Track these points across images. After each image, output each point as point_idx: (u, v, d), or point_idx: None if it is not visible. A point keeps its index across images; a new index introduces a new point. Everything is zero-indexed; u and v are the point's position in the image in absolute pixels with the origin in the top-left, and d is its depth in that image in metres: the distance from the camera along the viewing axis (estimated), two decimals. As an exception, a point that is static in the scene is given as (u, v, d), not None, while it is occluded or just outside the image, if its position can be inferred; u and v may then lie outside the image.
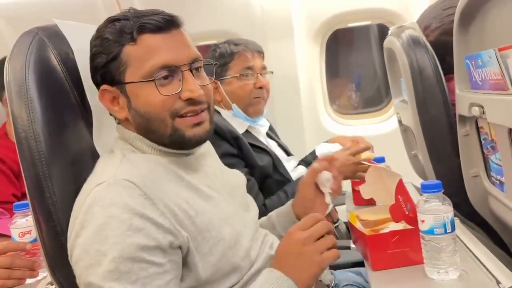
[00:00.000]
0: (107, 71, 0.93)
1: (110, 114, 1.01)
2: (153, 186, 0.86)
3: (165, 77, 0.91)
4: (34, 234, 1.22)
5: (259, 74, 1.73)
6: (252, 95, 1.71)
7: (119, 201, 0.82)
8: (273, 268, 0.90)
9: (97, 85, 0.97)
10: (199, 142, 0.97)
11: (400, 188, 1.02)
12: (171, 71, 0.91)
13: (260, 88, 1.72)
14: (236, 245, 0.94)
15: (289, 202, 1.21)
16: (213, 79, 1.03)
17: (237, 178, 1.17)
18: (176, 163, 0.96)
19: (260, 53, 1.76)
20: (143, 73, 0.90)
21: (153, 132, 0.94)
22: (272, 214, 1.24)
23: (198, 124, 0.95)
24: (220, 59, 1.71)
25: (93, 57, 0.95)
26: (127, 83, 0.92)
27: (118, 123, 1.01)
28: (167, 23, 0.92)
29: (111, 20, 0.94)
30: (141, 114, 0.93)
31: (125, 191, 0.83)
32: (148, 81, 0.90)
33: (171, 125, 0.92)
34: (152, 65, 0.90)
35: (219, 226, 0.92)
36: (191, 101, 0.92)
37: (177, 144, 0.95)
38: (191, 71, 0.93)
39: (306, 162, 1.87)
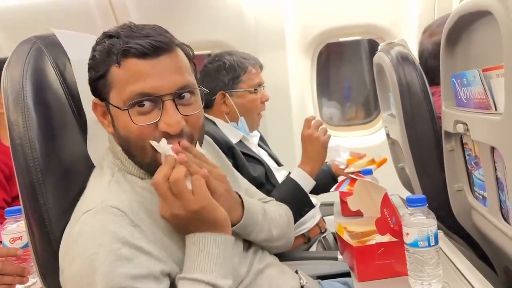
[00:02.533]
0: (96, 87, 0.92)
1: None
2: (141, 211, 0.85)
3: (142, 105, 0.86)
4: (25, 239, 1.23)
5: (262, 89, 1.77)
6: (259, 109, 1.75)
7: (107, 230, 0.80)
8: None
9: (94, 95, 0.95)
10: None
11: (386, 201, 1.04)
12: (150, 100, 0.86)
13: (263, 102, 1.76)
14: None
15: None
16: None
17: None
18: None
19: (261, 68, 1.81)
20: (123, 98, 0.87)
21: (133, 156, 0.92)
22: None
23: None
24: (231, 71, 1.71)
25: (88, 70, 0.94)
26: (110, 104, 0.90)
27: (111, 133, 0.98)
28: (154, 49, 0.86)
29: (105, 36, 0.91)
30: (121, 137, 0.91)
31: (112, 219, 0.81)
32: (124, 109, 0.87)
33: (151, 154, 0.88)
34: (131, 91, 0.86)
35: None
36: (168, 135, 0.87)
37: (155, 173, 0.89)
38: (174, 100, 0.87)
39: None
